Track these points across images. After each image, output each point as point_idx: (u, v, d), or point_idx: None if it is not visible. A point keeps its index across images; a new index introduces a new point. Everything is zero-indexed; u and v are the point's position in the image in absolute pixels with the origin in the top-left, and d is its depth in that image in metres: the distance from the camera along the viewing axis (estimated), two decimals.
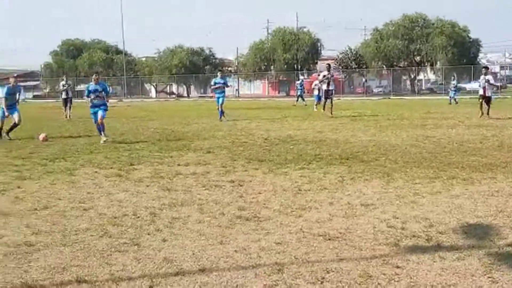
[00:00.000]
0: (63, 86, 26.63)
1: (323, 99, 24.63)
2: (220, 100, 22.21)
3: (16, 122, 15.94)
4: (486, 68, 23.24)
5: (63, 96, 26.37)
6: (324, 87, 23.72)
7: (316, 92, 29.85)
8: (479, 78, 22.50)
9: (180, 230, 5.78)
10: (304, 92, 38.93)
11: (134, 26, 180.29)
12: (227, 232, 5.67)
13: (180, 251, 5.08)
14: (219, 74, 23.90)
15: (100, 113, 14.48)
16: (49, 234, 5.70)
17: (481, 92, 21.35)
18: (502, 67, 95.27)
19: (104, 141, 13.86)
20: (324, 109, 23.91)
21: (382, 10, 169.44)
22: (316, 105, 29.25)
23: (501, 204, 6.74)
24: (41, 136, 14.56)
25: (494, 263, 4.62)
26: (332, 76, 24.01)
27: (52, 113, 29.47)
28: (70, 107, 25.88)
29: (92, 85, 14.80)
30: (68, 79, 28.90)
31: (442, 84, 64.95)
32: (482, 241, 5.27)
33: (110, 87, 22.12)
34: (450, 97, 36.75)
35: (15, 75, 17.94)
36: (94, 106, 14.69)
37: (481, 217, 6.17)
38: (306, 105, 35.36)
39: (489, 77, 21.53)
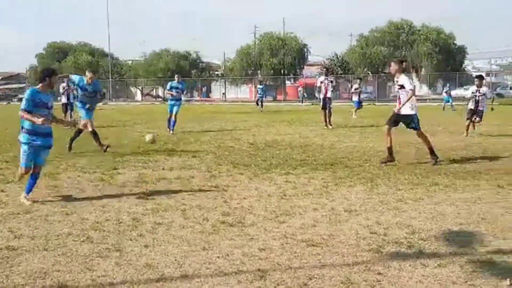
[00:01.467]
0: (63, 88, 23.41)
1: (320, 109, 20.97)
2: (175, 108, 18.67)
3: (81, 127, 12.81)
4: (481, 77, 17.97)
5: (63, 100, 23.29)
6: (321, 95, 20.67)
7: (355, 98, 28.08)
8: (470, 89, 18.00)
9: (162, 236, 5.77)
10: (264, 97, 38.38)
11: (120, 30, 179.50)
12: (211, 238, 5.67)
13: (162, 257, 5.06)
14: (176, 77, 19.66)
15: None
16: (32, 239, 5.66)
17: (471, 105, 16.81)
18: (488, 74, 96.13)
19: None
20: (325, 121, 20.32)
21: (369, 16, 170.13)
22: (355, 110, 27.50)
23: (483, 211, 6.79)
24: (149, 136, 13.25)
25: (476, 271, 4.66)
26: (332, 81, 21.23)
27: None
28: (71, 114, 22.59)
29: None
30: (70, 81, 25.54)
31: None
32: (464, 248, 5.31)
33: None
34: (449, 103, 36.47)
35: (91, 69, 13.67)
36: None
37: (463, 224, 6.21)
38: (262, 111, 35.07)
39: (485, 89, 17.47)
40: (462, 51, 71.21)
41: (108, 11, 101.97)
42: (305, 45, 79.17)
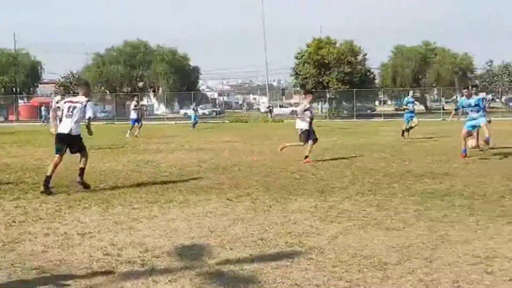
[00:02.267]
0: None
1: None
2: None
3: None
4: (311, 92, 16.31)
5: None
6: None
7: (134, 116, 27.45)
8: (302, 104, 15.39)
9: None
10: None
11: None
12: None
13: None
14: None
15: None
16: None
17: (304, 125, 14.22)
18: (220, 94, 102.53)
19: None
20: None
21: (106, 35, 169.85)
22: (130, 130, 26.83)
23: (213, 224, 7.18)
24: None
25: (205, 282, 4.89)
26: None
27: None
28: None
29: None
30: None
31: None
32: (194, 261, 5.55)
33: None
34: (195, 121, 37.15)
35: None
36: None
37: (194, 238, 6.50)
38: None
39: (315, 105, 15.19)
40: (196, 71, 74.96)
41: None
42: (38, 63, 76.02)
